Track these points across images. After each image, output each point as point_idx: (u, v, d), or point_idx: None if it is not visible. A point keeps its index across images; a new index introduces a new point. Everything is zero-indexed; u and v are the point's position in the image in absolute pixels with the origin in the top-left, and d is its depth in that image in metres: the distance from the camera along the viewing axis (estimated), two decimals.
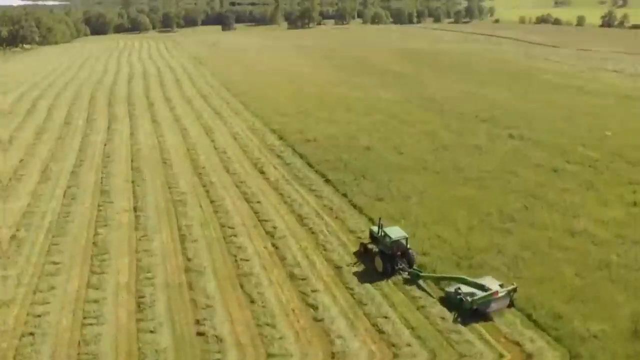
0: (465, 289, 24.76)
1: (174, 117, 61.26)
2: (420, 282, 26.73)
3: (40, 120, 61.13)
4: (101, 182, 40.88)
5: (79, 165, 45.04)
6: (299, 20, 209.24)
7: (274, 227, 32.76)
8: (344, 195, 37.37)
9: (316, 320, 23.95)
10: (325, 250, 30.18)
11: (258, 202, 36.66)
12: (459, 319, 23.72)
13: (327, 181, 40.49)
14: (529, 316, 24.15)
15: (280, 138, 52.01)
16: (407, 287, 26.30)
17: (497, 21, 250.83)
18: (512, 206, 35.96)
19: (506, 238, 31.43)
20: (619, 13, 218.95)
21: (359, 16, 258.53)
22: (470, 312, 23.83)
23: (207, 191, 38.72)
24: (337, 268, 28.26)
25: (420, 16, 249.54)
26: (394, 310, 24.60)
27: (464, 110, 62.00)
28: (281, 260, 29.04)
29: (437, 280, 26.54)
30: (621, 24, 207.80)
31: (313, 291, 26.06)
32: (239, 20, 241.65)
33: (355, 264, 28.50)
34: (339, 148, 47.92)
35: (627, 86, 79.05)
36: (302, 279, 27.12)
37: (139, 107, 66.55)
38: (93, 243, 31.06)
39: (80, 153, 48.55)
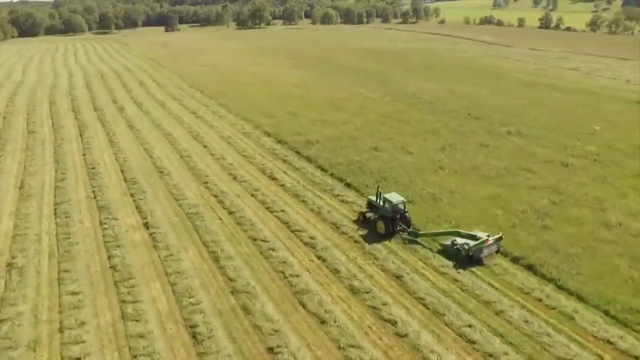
0: (460, 240, 28.20)
1: (152, 122, 56.46)
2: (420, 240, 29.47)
3: None
4: (95, 197, 36.25)
5: (61, 179, 39.83)
6: (249, 20, 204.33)
7: (312, 238, 30.09)
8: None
9: (400, 335, 21.77)
10: (376, 259, 27.98)
11: (282, 211, 33.75)
12: (456, 266, 27.14)
13: (348, 185, 38.25)
14: (606, 312, 23.70)
15: (278, 141, 49.03)
16: (485, 298, 24.57)
17: (442, 22, 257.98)
18: (540, 202, 35.54)
19: (550, 235, 30.85)
20: (554, 16, 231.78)
21: (306, 16, 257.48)
22: (467, 259, 27.26)
23: (221, 202, 35.27)
24: (398, 277, 26.14)
25: (369, 16, 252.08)
26: (476, 319, 22.96)
27: (453, 108, 61.78)
28: (334, 274, 26.50)
29: (434, 236, 29.75)
30: (557, 26, 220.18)
31: (383, 304, 23.82)
32: (181, 21, 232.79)
33: (358, 229, 31.08)
34: (345, 150, 45.77)
35: (589, 83, 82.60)
36: (366, 292, 24.79)
37: (108, 112, 60.91)
38: (111, 267, 27.03)
39: (58, 165, 43.16)
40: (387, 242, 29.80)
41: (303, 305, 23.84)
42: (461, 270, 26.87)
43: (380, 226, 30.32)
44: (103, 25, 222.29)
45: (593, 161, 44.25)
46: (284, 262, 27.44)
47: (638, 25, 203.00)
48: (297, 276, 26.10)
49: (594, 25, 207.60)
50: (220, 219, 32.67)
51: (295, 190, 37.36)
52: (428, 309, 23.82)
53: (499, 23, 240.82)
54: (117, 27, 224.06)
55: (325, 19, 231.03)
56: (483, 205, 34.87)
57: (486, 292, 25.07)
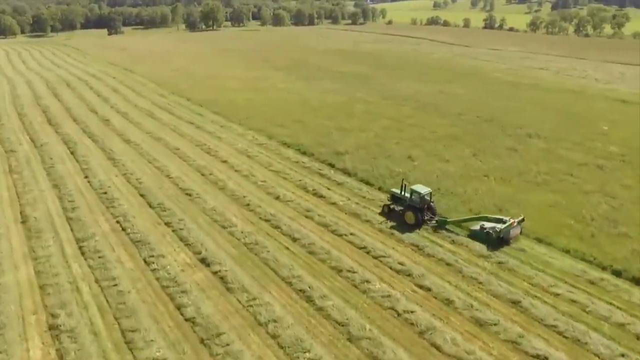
0: (487, 224, 29.89)
1: (149, 135, 50.86)
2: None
3: None
4: (123, 229, 31.21)
5: (70, 208, 34.17)
6: (201, 22, 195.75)
7: (401, 264, 27.24)
8: (439, 214, 32.75)
9: None
10: (480, 283, 25.59)
11: (351, 234, 30.57)
12: (490, 248, 28.72)
13: None
14: None
15: (302, 153, 45.46)
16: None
17: (390, 22, 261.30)
18: (602, 208, 34.87)
19: (633, 243, 29.85)
20: (495, 17, 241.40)
21: (254, 18, 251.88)
22: (497, 241, 28.95)
23: (277, 227, 31.44)
24: (515, 303, 23.83)
25: (318, 17, 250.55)
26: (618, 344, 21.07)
27: (459, 111, 60.78)
28: (447, 305, 23.87)
29: (461, 223, 31.17)
30: (500, 27, 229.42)
31: (520, 337, 21.46)
32: (124, 23, 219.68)
33: (383, 222, 32.11)
34: (379, 160, 43.05)
35: (567, 83, 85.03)
36: (494, 324, 22.35)
37: (93, 125, 54.38)
38: (188, 320, 22.73)
39: (59, 191, 37.25)
40: (482, 264, 27.49)
41: (437, 347, 20.95)
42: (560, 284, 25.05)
43: (410, 217, 31.61)
44: (37, 27, 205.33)
45: (622, 162, 44.38)
46: (388, 295, 24.37)
47: (571, 27, 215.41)
48: (411, 312, 23.17)
49: (533, 25, 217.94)
50: (287, 248, 28.92)
51: (350, 208, 34.20)
52: (566, 337, 21.73)
53: (445, 23, 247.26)
54: (54, 30, 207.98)
55: (277, 20, 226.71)
56: (549, 214, 33.53)
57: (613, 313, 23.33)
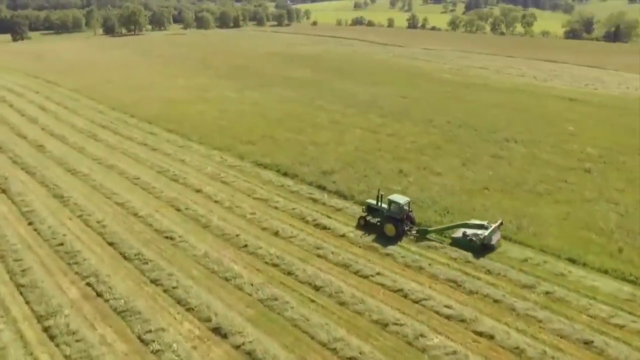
0: (469, 231, 29.39)
1: (98, 162, 43.48)
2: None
3: None
4: (98, 295, 25.09)
5: (19, 270, 27.22)
6: (121, 26, 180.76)
7: (448, 307, 23.91)
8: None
9: None
10: (542, 327, 22.84)
11: (378, 273, 26.76)
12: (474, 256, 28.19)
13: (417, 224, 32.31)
14: None
15: (284, 174, 40.81)
16: None
17: (315, 23, 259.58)
18: (612, 217, 34.23)
19: None
20: (417, 16, 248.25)
21: (175, 21, 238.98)
22: (481, 248, 28.51)
23: (290, 273, 26.85)
24: (587, 342, 21.36)
25: (243, 20, 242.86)
26: None
27: (428, 117, 58.92)
28: (518, 355, 20.75)
29: (443, 231, 30.54)
30: (423, 26, 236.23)
31: None
32: (31, 27, 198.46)
33: (362, 235, 30.73)
34: (370, 178, 39.53)
35: (513, 82, 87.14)
36: None
37: (24, 153, 45.63)
38: None
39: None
40: (530, 296, 24.84)
41: None
42: None
43: (390, 229, 30.40)
44: None
45: (603, 164, 44.51)
46: (452, 352, 20.91)
47: (487, 26, 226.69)
48: None
49: (453, 24, 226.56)
50: (312, 301, 24.51)
51: (364, 240, 30.35)
52: None
53: (370, 23, 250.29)
54: None
55: (201, 23, 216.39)
56: (567, 228, 32.13)
57: None
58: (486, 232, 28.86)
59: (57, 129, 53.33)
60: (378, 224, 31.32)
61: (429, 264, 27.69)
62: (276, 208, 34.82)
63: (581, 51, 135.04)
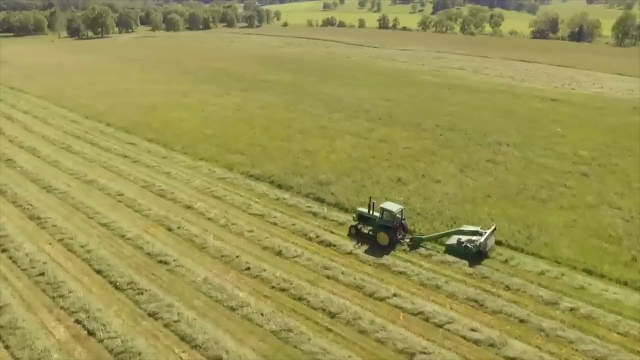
0: (464, 238, 28.72)
1: (75, 178, 40.31)
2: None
3: None
4: (91, 334, 22.56)
5: None
6: (87, 29, 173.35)
7: (474, 330, 22.61)
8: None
9: None
10: (576, 350, 21.66)
11: (395, 295, 25.11)
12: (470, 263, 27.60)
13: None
14: None
15: (279, 186, 38.77)
16: None
17: (285, 24, 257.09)
18: (617, 223, 33.61)
19: None
20: (387, 17, 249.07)
21: (142, 23, 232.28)
22: (476, 255, 27.88)
23: (302, 299, 24.81)
24: None
25: (213, 21, 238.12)
26: None
27: (416, 121, 57.87)
28: None
29: (437, 238, 29.81)
30: (394, 27, 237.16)
31: None
32: None
33: (355, 245, 29.77)
34: (369, 188, 37.86)
35: (493, 82, 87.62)
36: None
37: None
38: None
39: None
40: (555, 313, 23.68)
41: None
42: None
43: (384, 238, 29.58)
44: None
45: (598, 167, 44.30)
46: None
47: (457, 26, 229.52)
48: None
49: (424, 25, 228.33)
50: (330, 330, 22.62)
51: (374, 258, 28.61)
52: None
53: (341, 24, 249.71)
54: None
55: (170, 25, 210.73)
56: (576, 237, 31.29)
57: None
58: (481, 239, 28.33)
59: (28, 140, 49.59)
60: (370, 233, 30.43)
61: (445, 282, 26.24)
62: (275, 224, 32.76)
63: (550, 51, 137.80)
